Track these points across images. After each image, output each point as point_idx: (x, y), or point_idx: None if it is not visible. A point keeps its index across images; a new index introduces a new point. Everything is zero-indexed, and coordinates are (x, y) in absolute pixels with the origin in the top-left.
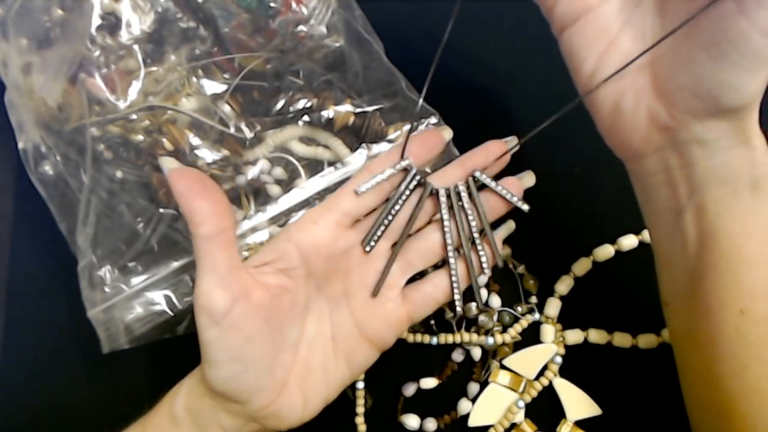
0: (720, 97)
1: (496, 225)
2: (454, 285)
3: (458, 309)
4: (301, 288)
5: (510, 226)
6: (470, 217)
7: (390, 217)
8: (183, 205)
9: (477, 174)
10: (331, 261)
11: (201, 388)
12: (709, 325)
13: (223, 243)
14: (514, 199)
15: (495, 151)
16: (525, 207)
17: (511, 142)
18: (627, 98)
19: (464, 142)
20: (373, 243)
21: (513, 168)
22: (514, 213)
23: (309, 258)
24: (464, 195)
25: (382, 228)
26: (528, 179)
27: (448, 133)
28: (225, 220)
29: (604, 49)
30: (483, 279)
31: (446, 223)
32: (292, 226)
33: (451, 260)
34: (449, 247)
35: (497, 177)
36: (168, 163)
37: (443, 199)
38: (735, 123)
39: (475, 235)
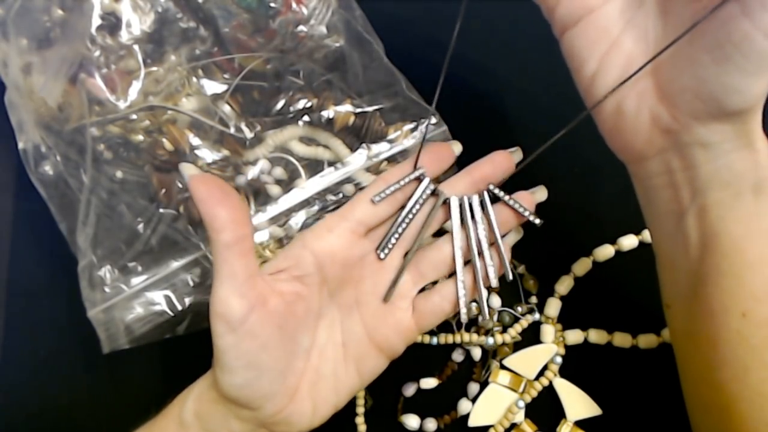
0: (723, 99)
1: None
2: (461, 297)
3: (463, 317)
4: (315, 295)
5: (519, 232)
6: (481, 229)
7: (404, 225)
8: (203, 211)
9: (491, 187)
10: (345, 269)
11: (212, 394)
12: (711, 327)
13: (242, 250)
14: (527, 213)
15: (500, 161)
16: (537, 221)
17: (516, 153)
18: (629, 100)
19: (465, 142)
20: (387, 250)
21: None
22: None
23: (324, 265)
24: (477, 207)
25: (396, 236)
26: (540, 194)
27: (457, 147)
28: (244, 228)
29: (606, 51)
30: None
31: (456, 232)
32: (307, 234)
33: (459, 271)
34: (458, 257)
35: (504, 186)
36: (188, 170)
37: (455, 208)
38: (738, 126)
39: (485, 246)
